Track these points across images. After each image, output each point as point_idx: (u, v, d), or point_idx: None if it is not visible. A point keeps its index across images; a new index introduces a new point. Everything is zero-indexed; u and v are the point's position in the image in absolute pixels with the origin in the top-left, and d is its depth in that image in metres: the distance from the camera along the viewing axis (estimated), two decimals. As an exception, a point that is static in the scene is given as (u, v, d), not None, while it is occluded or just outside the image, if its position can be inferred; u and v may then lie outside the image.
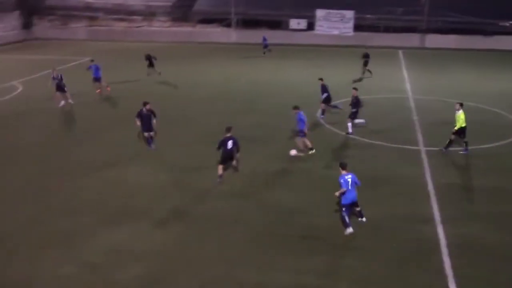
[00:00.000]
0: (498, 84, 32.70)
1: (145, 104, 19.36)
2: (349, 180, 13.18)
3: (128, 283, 11.24)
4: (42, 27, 55.19)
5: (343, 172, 13.35)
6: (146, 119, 19.27)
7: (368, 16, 50.42)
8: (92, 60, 28.95)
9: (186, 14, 55.38)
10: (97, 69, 28.08)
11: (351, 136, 21.17)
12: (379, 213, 14.52)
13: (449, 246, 12.73)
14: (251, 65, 38.68)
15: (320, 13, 50.32)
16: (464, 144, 19.23)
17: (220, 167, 16.60)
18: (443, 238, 13.11)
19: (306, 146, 19.16)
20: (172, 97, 28.46)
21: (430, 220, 14.15)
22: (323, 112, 24.26)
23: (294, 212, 14.60)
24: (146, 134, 19.55)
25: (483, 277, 11.58)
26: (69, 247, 12.67)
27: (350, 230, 13.17)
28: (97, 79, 28.14)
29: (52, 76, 26.04)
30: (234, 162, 17.22)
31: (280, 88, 30.50)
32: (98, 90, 28.14)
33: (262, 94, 28.98)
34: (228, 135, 16.59)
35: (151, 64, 32.41)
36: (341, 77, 33.26)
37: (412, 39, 49.36)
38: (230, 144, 16.48)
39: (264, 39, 44.31)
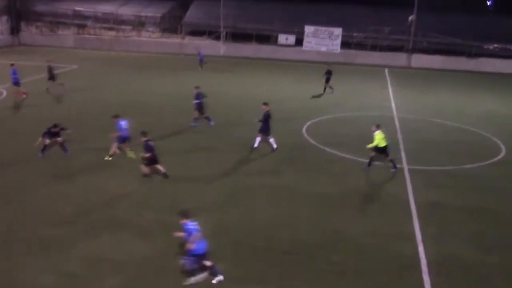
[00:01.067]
0: (481, 105, 33.24)
1: (55, 126, 19.05)
2: (196, 228, 11.40)
3: (107, 294, 11.14)
4: (30, 33, 54.94)
5: (186, 220, 11.43)
6: (52, 135, 19.15)
7: (356, 34, 51.01)
8: (12, 64, 29.16)
9: (175, 26, 55.53)
10: (14, 73, 28.22)
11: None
12: (361, 230, 14.60)
13: (429, 264, 12.84)
14: (237, 79, 38.83)
15: (308, 29, 50.79)
16: (391, 163, 19.54)
17: (147, 168, 17.44)
18: (423, 256, 13.22)
19: (114, 151, 19.43)
20: (154, 107, 28.40)
21: (411, 238, 14.26)
22: (195, 120, 24.54)
23: (276, 227, 14.61)
24: (48, 141, 19.12)
25: (461, 296, 11.70)
26: (49, 256, 12.53)
27: (198, 277, 11.71)
28: (16, 84, 28.25)
29: None
30: (161, 168, 17.58)
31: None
32: (15, 94, 28.33)
33: (247, 107, 28.96)
34: (145, 138, 17.27)
35: (52, 77, 30.53)
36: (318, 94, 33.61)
37: (398, 58, 50.04)
38: (152, 145, 17.36)
39: (199, 54, 43.19)
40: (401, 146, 22.83)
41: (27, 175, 17.77)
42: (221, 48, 52.30)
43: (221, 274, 11.75)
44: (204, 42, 53.41)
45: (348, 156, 21.08)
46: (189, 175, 18.31)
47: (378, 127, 19.27)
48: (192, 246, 11.30)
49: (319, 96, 33.39)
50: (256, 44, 52.60)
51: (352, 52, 50.55)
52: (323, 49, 50.76)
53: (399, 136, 24.43)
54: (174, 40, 53.76)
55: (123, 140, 19.28)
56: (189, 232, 11.33)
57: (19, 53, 48.00)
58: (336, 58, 48.74)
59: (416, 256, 13.28)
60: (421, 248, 13.65)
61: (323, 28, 50.77)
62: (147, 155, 17.14)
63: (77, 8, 56.04)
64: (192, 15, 56.26)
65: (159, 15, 56.19)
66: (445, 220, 15.60)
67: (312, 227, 14.70)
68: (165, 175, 17.68)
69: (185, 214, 11.56)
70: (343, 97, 33.38)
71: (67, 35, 54.53)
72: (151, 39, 54.33)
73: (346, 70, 44.67)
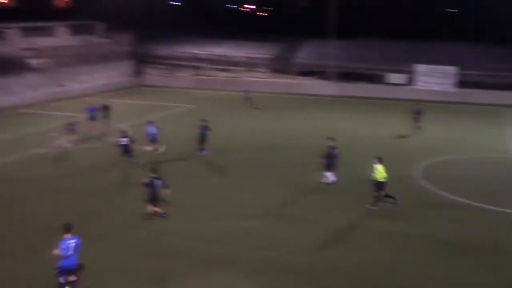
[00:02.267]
0: None
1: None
2: (72, 245, 11.96)
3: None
4: (152, 75, 59.04)
5: (67, 235, 12.03)
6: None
7: (472, 72, 49.04)
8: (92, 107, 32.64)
9: (285, 66, 56.97)
10: (93, 110, 31.86)
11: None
12: (478, 282, 13.92)
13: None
14: (349, 119, 38.72)
15: (420, 68, 49.76)
16: (390, 198, 18.94)
17: (150, 206, 17.56)
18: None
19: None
20: (268, 145, 29.12)
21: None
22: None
23: (392, 271, 14.33)
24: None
25: None
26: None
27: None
28: (92, 118, 31.55)
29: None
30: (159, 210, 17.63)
31: (375, 142, 30.21)
32: (93, 129, 30.67)
33: (359, 146, 28.76)
34: (154, 175, 17.52)
35: (107, 115, 32.83)
36: (435, 133, 32.58)
37: (518, 97, 47.16)
38: (158, 182, 17.39)
39: (247, 91, 44.14)
40: (524, 191, 21.47)
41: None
42: (331, 87, 52.67)
43: None
44: (314, 82, 54.16)
45: (465, 201, 20.16)
46: (302, 214, 18.55)
47: (380, 160, 18.78)
48: (61, 260, 11.92)
49: (414, 134, 32.36)
50: (366, 83, 52.37)
51: (468, 91, 48.46)
52: (436, 88, 49.27)
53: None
54: (285, 80, 55.07)
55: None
56: (63, 249, 11.86)
57: (142, 93, 51.73)
58: (450, 97, 47.10)
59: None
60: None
61: (436, 67, 49.46)
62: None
63: (194, 51, 59.69)
64: (302, 56, 57.48)
65: (270, 56, 58.08)
66: None
67: (425, 276, 14.18)
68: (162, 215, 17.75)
69: (67, 228, 12.12)
70: (460, 138, 32.07)
71: (185, 77, 57.93)
72: (262, 79, 56.08)
73: (462, 110, 43.07)
